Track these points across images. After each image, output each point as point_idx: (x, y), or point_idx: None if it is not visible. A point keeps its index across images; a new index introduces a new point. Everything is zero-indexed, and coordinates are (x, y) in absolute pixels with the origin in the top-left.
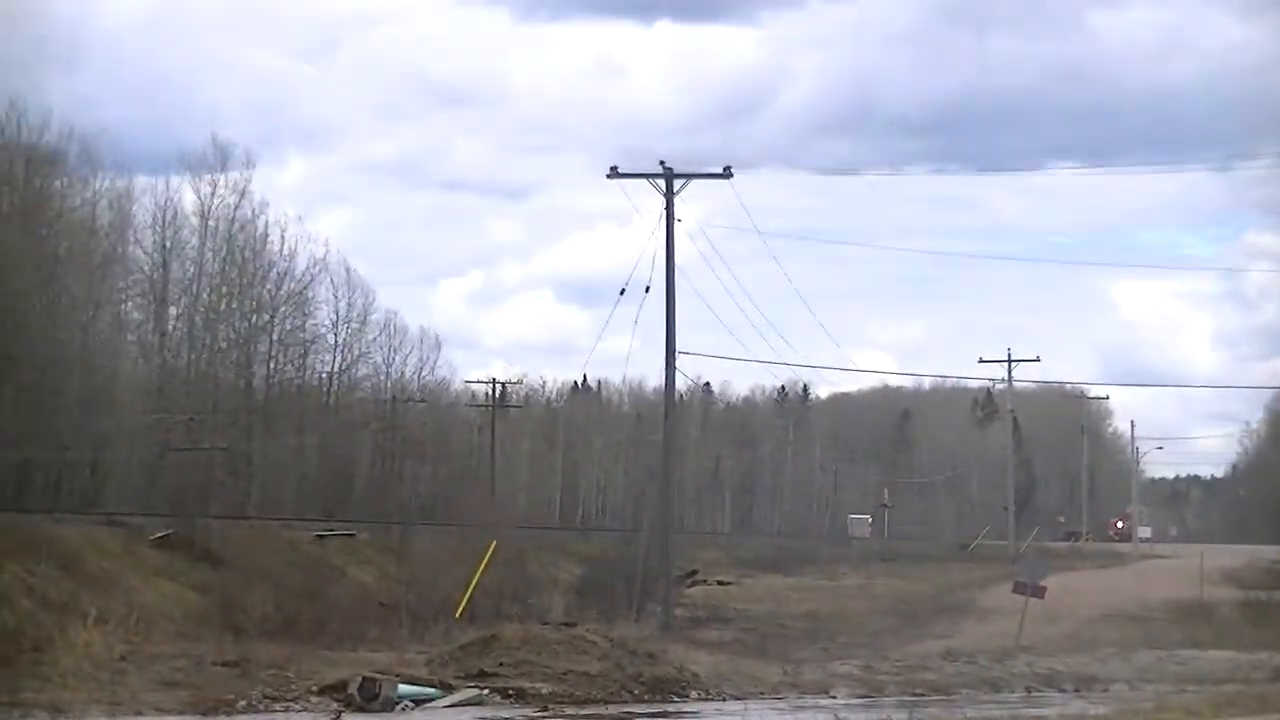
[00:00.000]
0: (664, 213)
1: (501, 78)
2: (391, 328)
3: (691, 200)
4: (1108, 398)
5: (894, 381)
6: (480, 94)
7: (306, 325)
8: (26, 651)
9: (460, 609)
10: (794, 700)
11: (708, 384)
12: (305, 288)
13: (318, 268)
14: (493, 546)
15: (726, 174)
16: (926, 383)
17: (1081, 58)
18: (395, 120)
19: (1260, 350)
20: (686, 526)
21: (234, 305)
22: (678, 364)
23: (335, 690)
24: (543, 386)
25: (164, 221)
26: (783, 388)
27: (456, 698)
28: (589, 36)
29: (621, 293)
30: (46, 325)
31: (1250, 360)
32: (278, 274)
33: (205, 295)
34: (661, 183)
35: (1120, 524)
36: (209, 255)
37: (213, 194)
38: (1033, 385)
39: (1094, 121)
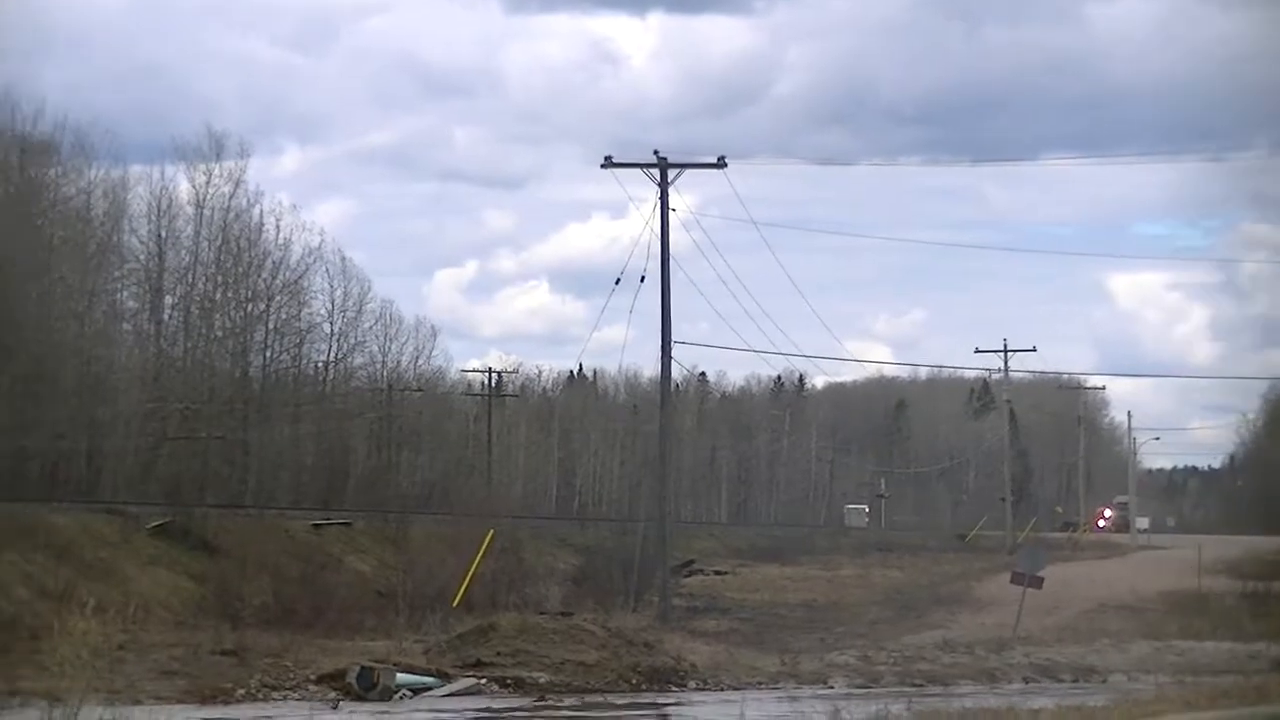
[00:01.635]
0: (658, 203)
1: (495, 68)
2: (387, 317)
3: (686, 190)
4: (1104, 388)
5: (890, 372)
6: (474, 84)
7: (302, 314)
8: (23, 640)
9: (457, 598)
10: (791, 690)
11: (703, 374)
12: (300, 277)
13: (313, 257)
14: (490, 536)
15: (721, 164)
16: (923, 373)
17: (1075, 48)
18: (390, 110)
19: (1256, 340)
20: (683, 516)
21: (229, 294)
22: (673, 354)
23: (333, 679)
24: (538, 376)
25: (159, 210)
26: (778, 378)
27: (454, 687)
28: (582, 27)
29: (616, 283)
30: (42, 314)
31: (1247, 350)
32: (273, 263)
33: (200, 284)
34: (656, 173)
35: (1107, 513)
36: (204, 244)
37: (207, 183)
38: (1029, 376)
39: (1088, 112)
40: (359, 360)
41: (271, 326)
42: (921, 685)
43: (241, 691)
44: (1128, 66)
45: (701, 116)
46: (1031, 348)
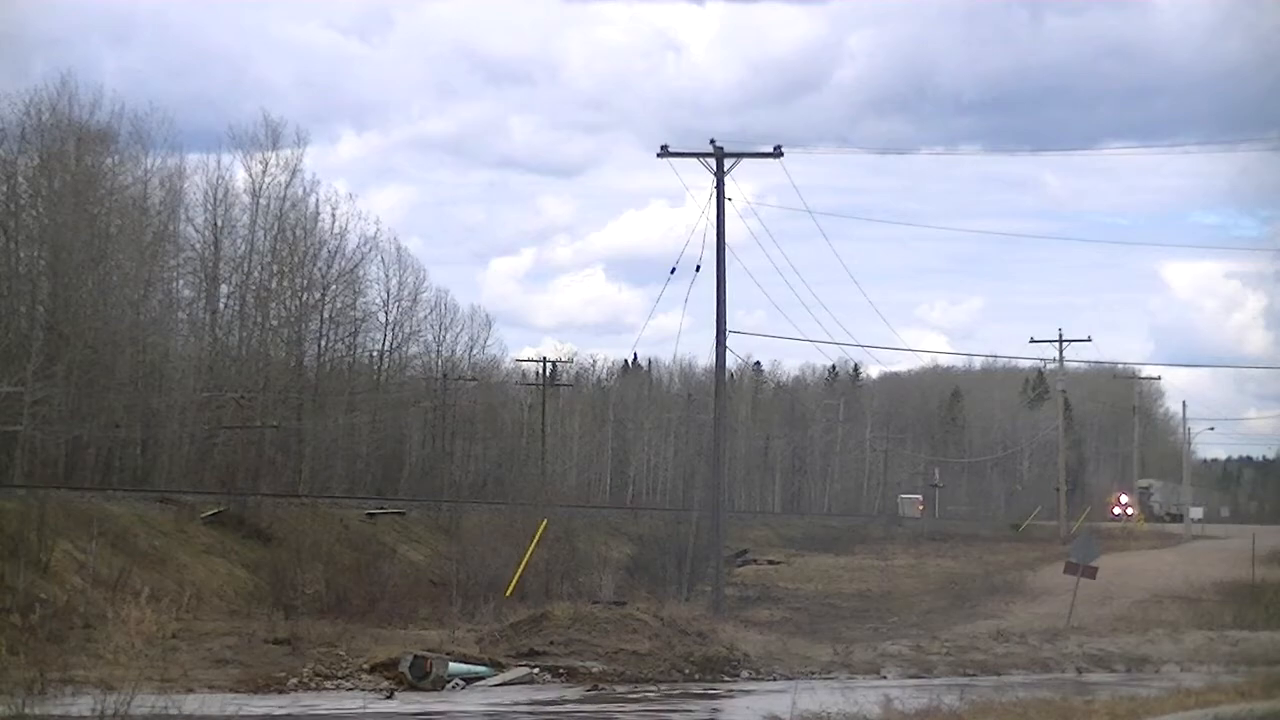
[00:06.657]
0: (714, 192)
1: (554, 55)
2: (442, 306)
3: (744, 179)
4: (1159, 378)
5: (945, 361)
6: (533, 72)
7: (357, 304)
8: (78, 629)
9: (510, 587)
10: (844, 680)
11: (758, 363)
12: (356, 266)
13: (368, 246)
14: (543, 525)
15: (777, 153)
16: (977, 363)
17: (1136, 36)
18: (448, 98)
19: None
20: (737, 506)
21: (285, 283)
22: (728, 343)
23: (386, 668)
24: (593, 365)
25: (215, 199)
26: (833, 367)
27: (507, 676)
28: (640, 14)
29: (672, 272)
30: (98, 303)
31: None
32: (329, 252)
33: (256, 273)
34: (712, 162)
35: (1124, 498)
36: (260, 233)
37: (264, 172)
38: (1084, 365)
39: (1147, 100)
40: (414, 349)
41: (327, 316)
42: (975, 675)
43: (294, 680)
44: (1190, 54)
45: (761, 104)
46: (1086, 338)
